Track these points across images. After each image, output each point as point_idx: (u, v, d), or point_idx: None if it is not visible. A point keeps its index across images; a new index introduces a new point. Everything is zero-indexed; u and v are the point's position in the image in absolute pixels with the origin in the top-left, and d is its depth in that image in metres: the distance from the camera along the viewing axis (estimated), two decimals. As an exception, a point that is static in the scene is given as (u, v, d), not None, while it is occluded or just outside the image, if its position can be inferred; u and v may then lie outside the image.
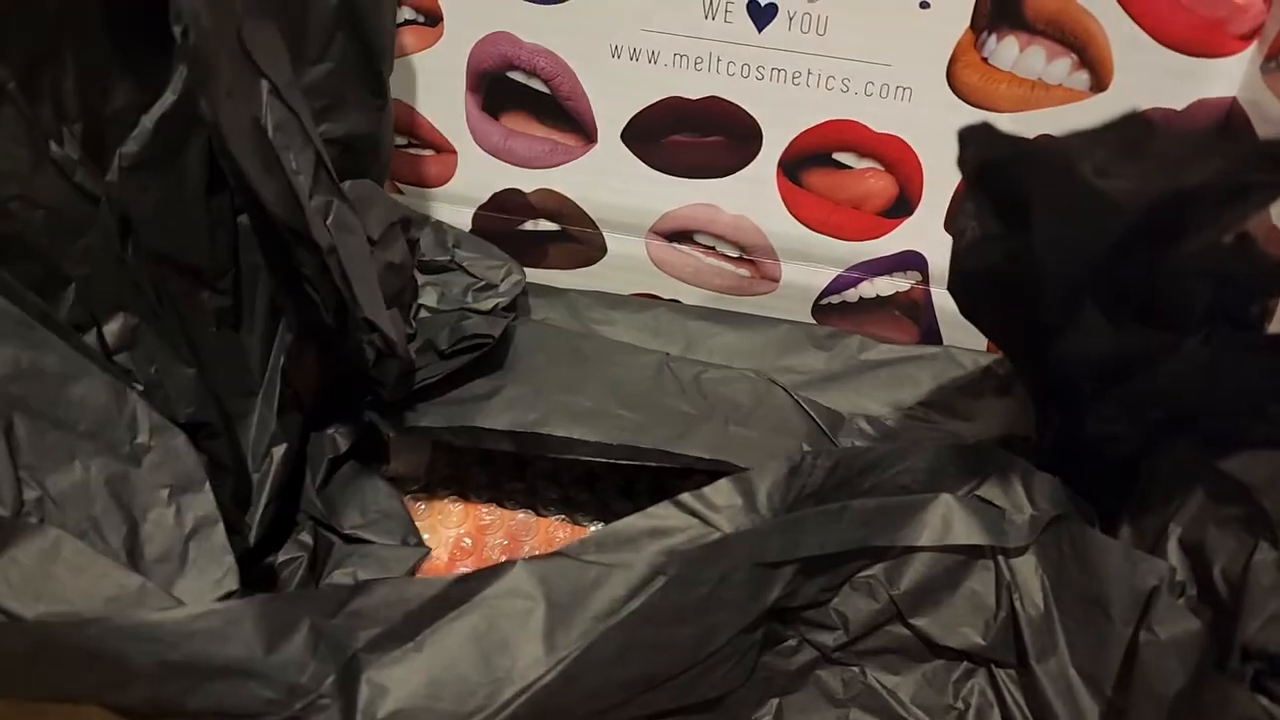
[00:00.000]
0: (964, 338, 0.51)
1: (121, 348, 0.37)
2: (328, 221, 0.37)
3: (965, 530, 0.36)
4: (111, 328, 0.36)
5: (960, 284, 0.36)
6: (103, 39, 0.34)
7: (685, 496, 0.33)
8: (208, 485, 0.35)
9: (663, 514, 0.33)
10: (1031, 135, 0.26)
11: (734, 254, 0.51)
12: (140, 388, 0.36)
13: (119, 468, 0.33)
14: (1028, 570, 0.36)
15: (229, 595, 0.34)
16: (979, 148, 0.27)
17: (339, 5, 0.40)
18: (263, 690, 0.28)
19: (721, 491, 0.34)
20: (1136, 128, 0.24)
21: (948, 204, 0.47)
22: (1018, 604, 0.36)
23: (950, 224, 0.47)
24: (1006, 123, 0.42)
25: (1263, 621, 0.30)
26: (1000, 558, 0.36)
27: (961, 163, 0.29)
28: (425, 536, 0.47)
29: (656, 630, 0.31)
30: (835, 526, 0.35)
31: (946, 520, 0.36)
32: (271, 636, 0.28)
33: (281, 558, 0.44)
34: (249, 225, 0.40)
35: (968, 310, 0.37)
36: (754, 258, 0.51)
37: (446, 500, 0.49)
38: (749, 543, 0.32)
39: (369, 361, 0.42)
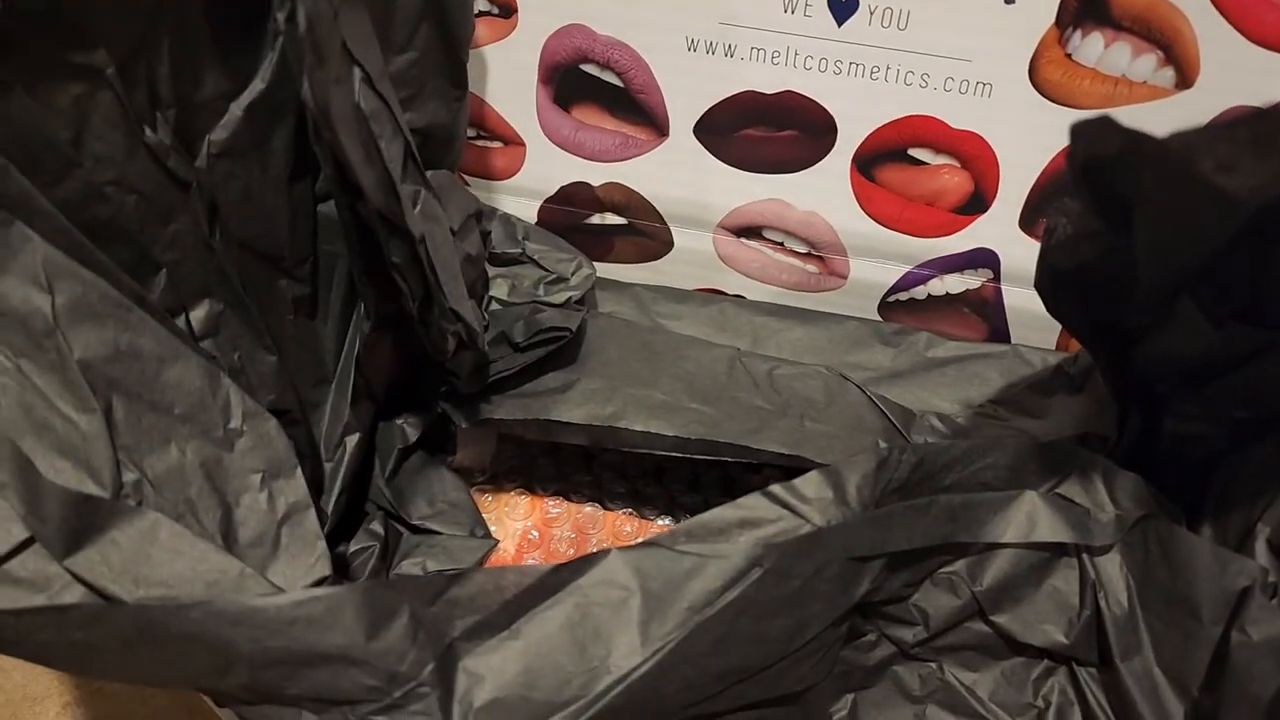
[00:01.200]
0: (1032, 336, 0.51)
1: (207, 334, 0.37)
2: (416, 211, 0.37)
3: (1050, 528, 0.36)
4: (198, 314, 0.36)
5: (1048, 282, 0.36)
6: (198, 26, 0.34)
7: (776, 488, 0.33)
8: (299, 471, 0.35)
9: (753, 505, 0.33)
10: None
11: (802, 250, 0.51)
12: (227, 373, 0.36)
13: (213, 451, 0.33)
14: (1113, 569, 0.36)
15: (321, 580, 0.34)
16: (1092, 140, 0.27)
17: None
18: (364, 677, 0.28)
19: (811, 484, 0.33)
20: (1268, 124, 0.23)
21: (1023, 201, 0.47)
22: (1103, 602, 0.36)
23: (1025, 222, 0.47)
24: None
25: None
26: (1085, 556, 0.36)
27: (1071, 155, 0.28)
28: (492, 528, 0.47)
29: (751, 622, 0.31)
30: (923, 521, 0.34)
31: (1031, 517, 0.36)
32: (373, 624, 0.28)
33: (353, 547, 0.44)
34: (328, 214, 0.40)
35: (1054, 308, 0.37)
36: (823, 254, 0.51)
37: (513, 492, 0.49)
38: (842, 536, 0.32)
39: (448, 352, 0.42)
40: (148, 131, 0.33)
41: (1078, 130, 0.27)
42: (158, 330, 0.32)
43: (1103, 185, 0.29)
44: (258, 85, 0.36)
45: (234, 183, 0.36)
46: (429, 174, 0.40)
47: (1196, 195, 0.26)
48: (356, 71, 0.34)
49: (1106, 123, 0.26)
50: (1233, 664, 0.33)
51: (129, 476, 0.29)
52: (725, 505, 0.33)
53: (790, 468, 0.46)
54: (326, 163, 0.34)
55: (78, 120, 0.31)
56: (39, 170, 0.29)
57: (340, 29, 0.33)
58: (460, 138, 0.46)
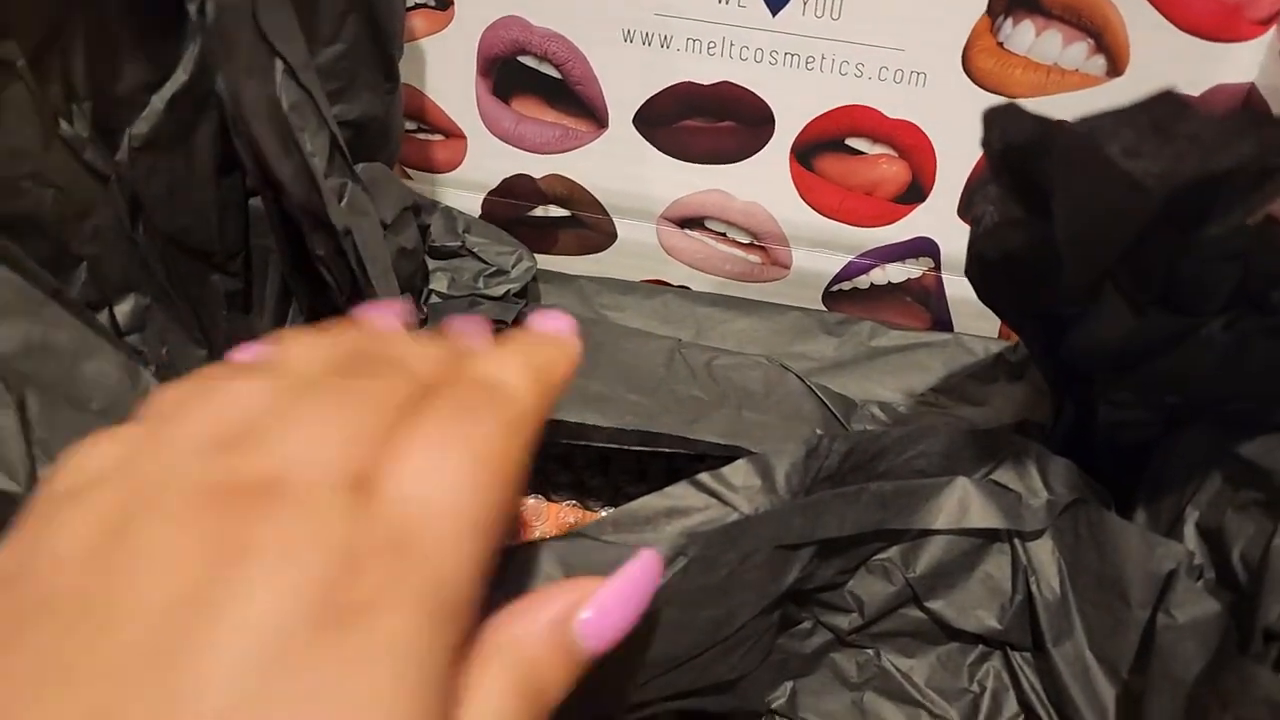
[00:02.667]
0: (975, 324, 0.51)
1: (133, 329, 0.36)
2: (342, 204, 0.37)
3: (982, 514, 0.36)
4: (123, 308, 0.36)
5: (977, 269, 0.36)
6: (113, 16, 0.34)
7: (703, 476, 0.33)
8: None
9: (680, 494, 0.33)
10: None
11: (745, 240, 0.51)
12: (152, 369, 0.35)
13: None
14: (1044, 554, 0.36)
15: None
16: (1004, 128, 0.27)
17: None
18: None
19: (739, 472, 0.33)
20: (1169, 107, 0.23)
21: (961, 190, 0.47)
22: (1034, 588, 0.36)
23: (964, 210, 0.47)
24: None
25: (1286, 605, 0.30)
26: (1016, 541, 0.36)
27: (985, 144, 0.28)
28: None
29: (678, 612, 0.31)
30: (853, 508, 0.34)
31: (963, 503, 0.36)
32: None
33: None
34: (260, 208, 0.40)
35: (984, 295, 0.37)
36: (765, 244, 0.51)
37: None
38: (769, 524, 0.32)
39: None
40: (63, 124, 0.33)
41: (990, 117, 0.27)
42: (74, 324, 0.31)
43: (1020, 172, 0.30)
44: (180, 77, 0.36)
45: (157, 176, 0.36)
46: (360, 167, 0.40)
47: (1106, 181, 0.26)
48: (278, 63, 0.34)
49: (1015, 110, 0.26)
50: (1158, 646, 0.33)
51: (43, 470, 0.29)
52: (652, 494, 0.33)
53: (732, 458, 0.46)
54: (247, 156, 0.34)
55: None
56: None
57: (259, 20, 0.32)
58: (396, 130, 0.46)
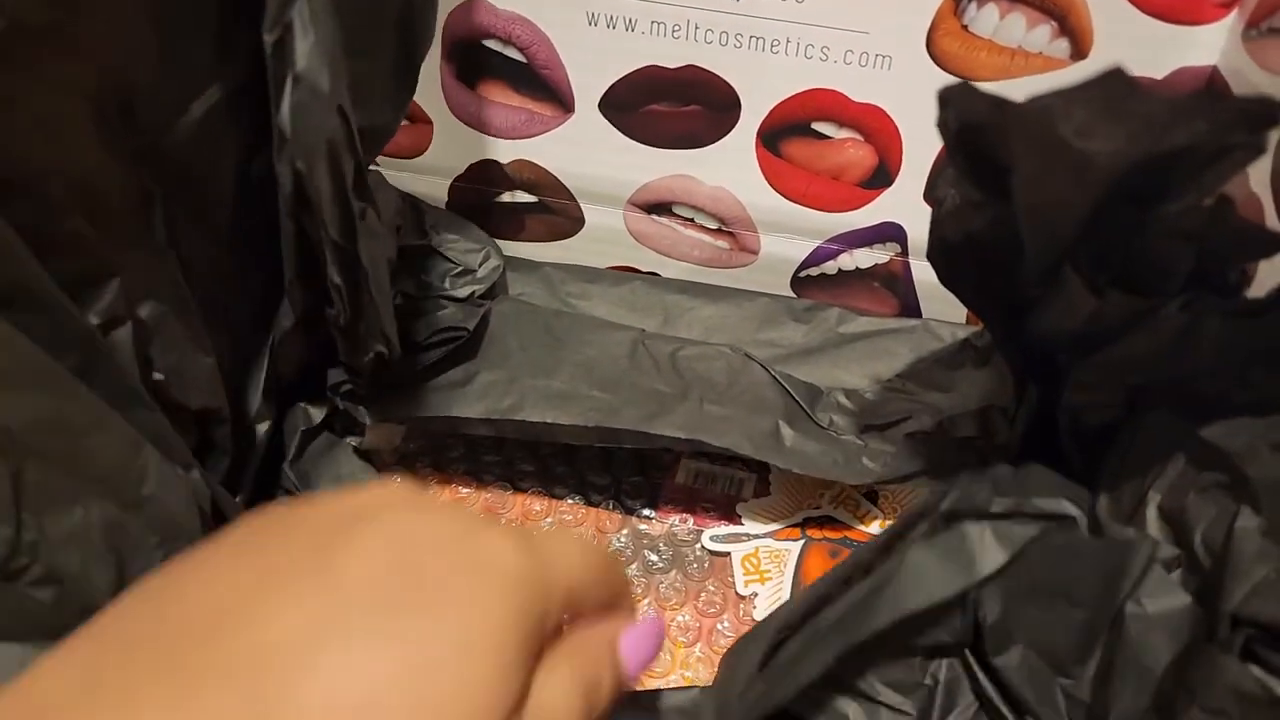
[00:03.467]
0: (943, 310, 0.51)
1: (148, 338, 0.36)
2: (361, 226, 0.37)
3: (942, 583, 0.34)
4: (142, 318, 0.35)
5: (939, 252, 0.36)
6: (166, 27, 0.33)
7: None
8: (201, 536, 0.34)
9: (690, 700, 0.33)
10: (1012, 99, 0.26)
11: (713, 226, 0.51)
12: (160, 377, 0.35)
13: (118, 515, 0.32)
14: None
15: None
16: (959, 109, 0.27)
17: (402, 5, 0.40)
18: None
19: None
20: (1119, 86, 0.23)
21: (927, 174, 0.47)
22: (980, 614, 0.35)
23: (930, 194, 0.47)
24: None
25: (1249, 589, 0.29)
26: None
27: (941, 124, 0.28)
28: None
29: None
30: (812, 654, 0.33)
31: (921, 578, 0.34)
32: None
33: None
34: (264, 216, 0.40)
35: (946, 278, 0.37)
36: (733, 229, 0.51)
37: (421, 474, 0.48)
38: None
39: (365, 366, 0.42)
40: (115, 140, 0.32)
41: (944, 97, 0.27)
42: (87, 398, 0.31)
43: (978, 152, 0.29)
44: (219, 88, 0.36)
45: (187, 184, 0.36)
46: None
47: (1061, 160, 0.26)
48: (334, 110, 0.33)
49: (969, 90, 0.26)
50: (1126, 636, 0.33)
51: (28, 537, 0.29)
52: (670, 689, 0.33)
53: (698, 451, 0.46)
54: (286, 182, 0.34)
55: (52, 131, 0.30)
56: (10, 187, 0.28)
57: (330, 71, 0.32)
58: (394, 132, 0.45)
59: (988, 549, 0.34)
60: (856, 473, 0.43)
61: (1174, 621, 0.32)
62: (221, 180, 0.38)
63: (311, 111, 0.31)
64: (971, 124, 0.28)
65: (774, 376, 0.46)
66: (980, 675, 0.36)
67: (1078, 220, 0.29)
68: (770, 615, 0.35)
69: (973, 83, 0.26)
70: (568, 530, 0.33)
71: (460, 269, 0.48)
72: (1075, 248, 0.31)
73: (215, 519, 0.37)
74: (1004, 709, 0.35)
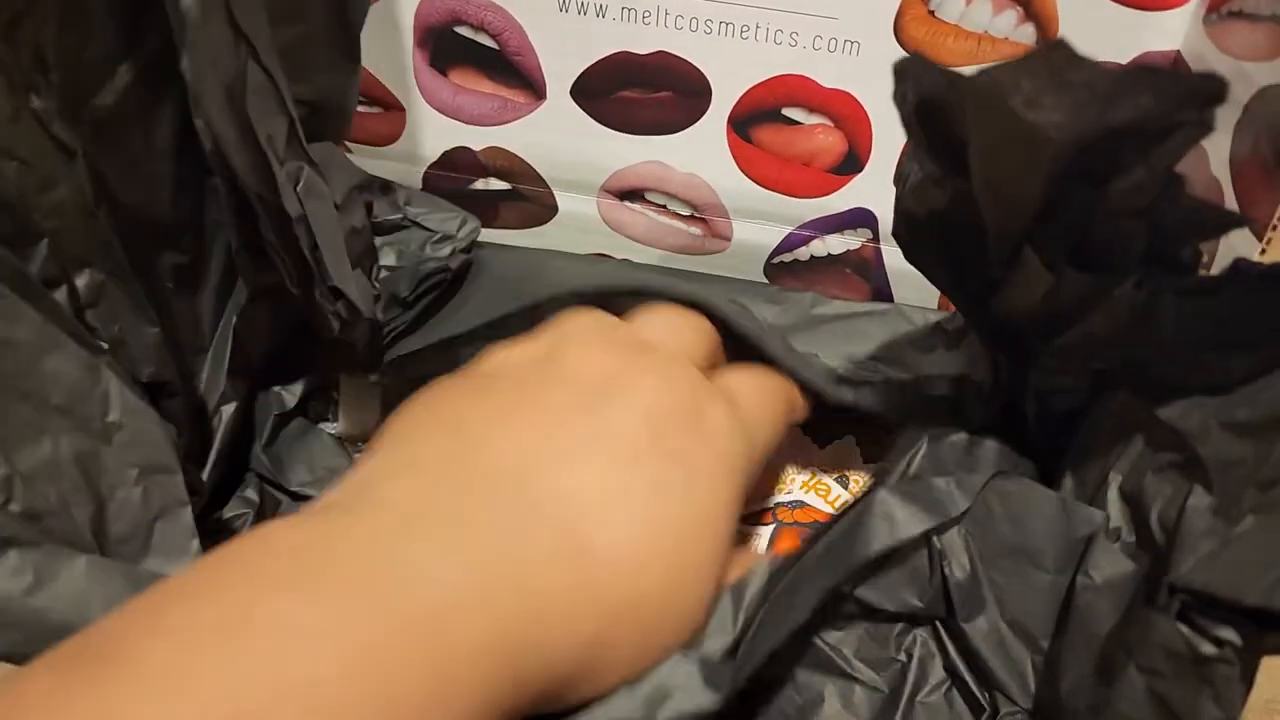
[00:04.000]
0: (914, 296, 0.51)
1: (88, 304, 0.36)
2: (298, 188, 0.37)
3: (909, 522, 0.35)
4: (79, 284, 0.35)
5: (904, 227, 0.36)
6: None
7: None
8: (179, 470, 0.34)
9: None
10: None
11: (685, 213, 0.51)
12: (105, 346, 0.35)
13: (89, 445, 0.32)
14: (953, 535, 0.36)
15: None
16: (914, 82, 0.27)
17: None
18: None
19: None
20: (1061, 55, 0.24)
21: (897, 161, 0.47)
22: (946, 568, 0.36)
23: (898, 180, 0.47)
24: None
25: (1194, 562, 0.30)
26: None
27: (898, 98, 0.29)
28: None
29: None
30: (790, 614, 0.33)
31: (890, 519, 0.35)
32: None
33: (227, 514, 0.44)
34: (213, 183, 0.40)
35: (911, 255, 0.37)
36: (705, 216, 0.51)
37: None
38: None
39: (334, 330, 0.42)
40: (33, 97, 0.32)
41: (898, 70, 0.27)
42: (35, 318, 0.31)
43: (935, 127, 0.30)
44: (145, 51, 0.35)
45: (118, 150, 0.35)
46: (312, 147, 0.40)
47: (1012, 133, 0.27)
48: (243, 46, 0.33)
49: (922, 62, 0.26)
50: (1076, 606, 0.33)
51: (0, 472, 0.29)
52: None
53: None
54: (205, 137, 0.34)
55: None
56: None
57: (230, 2, 0.32)
58: (351, 109, 0.45)
59: (954, 497, 0.35)
60: (833, 388, 0.43)
61: (1119, 589, 0.33)
62: (156, 147, 0.37)
63: (201, 51, 0.31)
64: (928, 98, 0.28)
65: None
66: (951, 649, 0.37)
67: (1034, 198, 0.30)
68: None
69: (922, 54, 0.26)
70: (768, 392, 0.38)
71: (439, 235, 0.48)
72: (1034, 227, 0.31)
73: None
74: (972, 684, 0.36)
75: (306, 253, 0.38)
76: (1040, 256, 0.32)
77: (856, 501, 0.36)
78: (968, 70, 0.29)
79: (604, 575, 0.26)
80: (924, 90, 0.28)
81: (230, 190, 0.37)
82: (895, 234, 0.37)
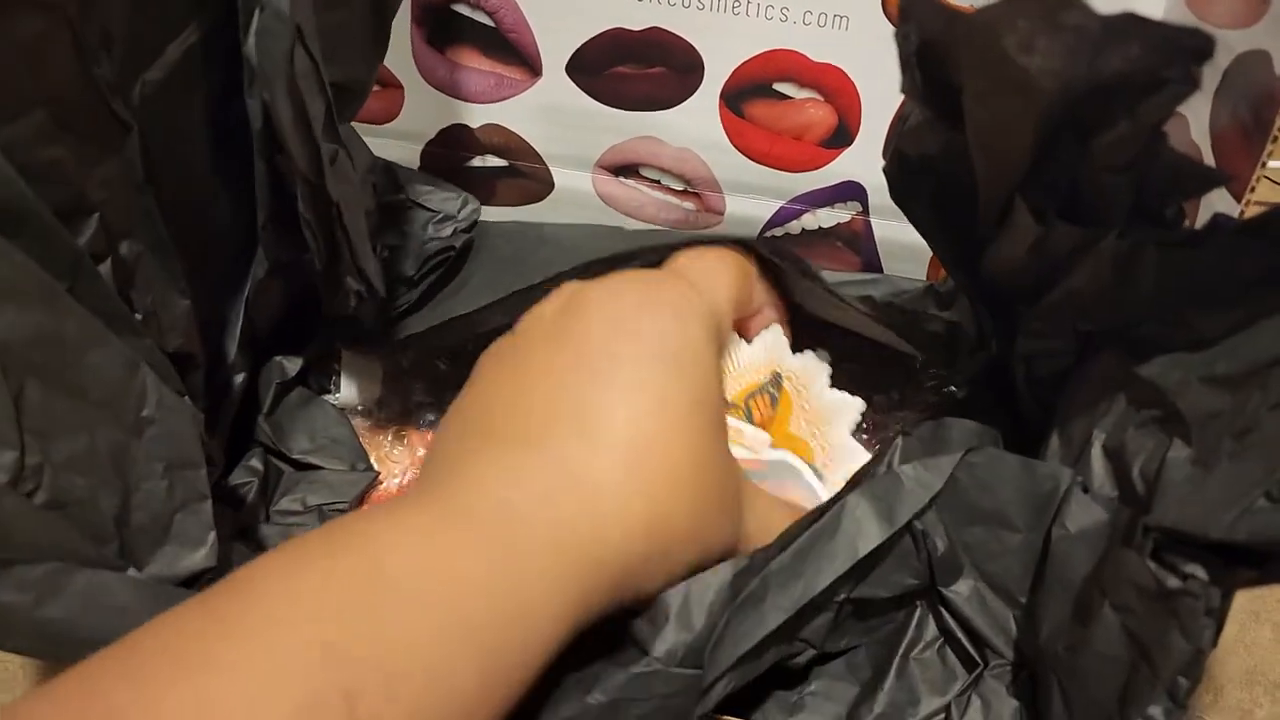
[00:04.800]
0: (905, 269, 0.52)
1: (126, 278, 0.37)
2: (332, 170, 0.38)
3: (878, 529, 0.35)
4: (119, 255, 0.36)
5: (896, 167, 0.37)
6: None
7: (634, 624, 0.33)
8: (203, 464, 0.35)
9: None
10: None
11: (679, 187, 0.52)
12: (139, 318, 0.36)
13: (122, 438, 0.33)
14: (930, 512, 0.37)
15: (206, 572, 0.34)
16: (917, 22, 0.28)
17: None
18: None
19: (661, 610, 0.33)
20: (1056, -4, 0.24)
21: (886, 134, 0.48)
22: (929, 545, 0.37)
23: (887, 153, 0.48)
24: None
25: (1167, 505, 0.31)
26: None
27: (901, 37, 0.29)
28: (375, 465, 0.48)
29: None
30: (761, 605, 0.34)
31: (859, 525, 0.35)
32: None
33: (234, 481, 0.44)
34: (238, 161, 0.41)
35: (900, 196, 0.38)
36: (698, 190, 0.52)
37: (394, 428, 0.50)
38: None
39: (349, 308, 0.43)
40: (95, 70, 0.33)
41: (905, 8, 0.28)
42: (83, 315, 0.31)
43: (933, 71, 0.30)
44: (196, 29, 0.36)
45: (164, 125, 0.36)
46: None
47: (1005, 79, 0.27)
48: (293, 30, 0.34)
49: (928, 1, 0.27)
50: (1052, 556, 0.34)
51: (32, 460, 0.29)
52: None
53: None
54: (256, 117, 0.35)
55: (35, 57, 0.30)
56: None
57: None
58: (369, 92, 0.46)
59: (923, 480, 0.35)
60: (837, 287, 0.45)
61: (1094, 538, 0.34)
62: (197, 123, 0.38)
63: (274, 35, 0.32)
64: (929, 41, 0.29)
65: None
66: (942, 610, 0.38)
67: (1025, 147, 0.30)
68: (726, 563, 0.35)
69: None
70: (714, 258, 0.42)
71: (441, 215, 0.49)
72: (1025, 179, 0.32)
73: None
74: (964, 640, 0.37)
75: (339, 233, 0.40)
76: (1029, 207, 0.33)
77: (827, 507, 0.36)
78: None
79: (637, 456, 0.31)
80: (926, 32, 0.28)
81: (267, 168, 0.38)
82: (887, 173, 0.38)
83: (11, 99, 0.30)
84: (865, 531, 0.35)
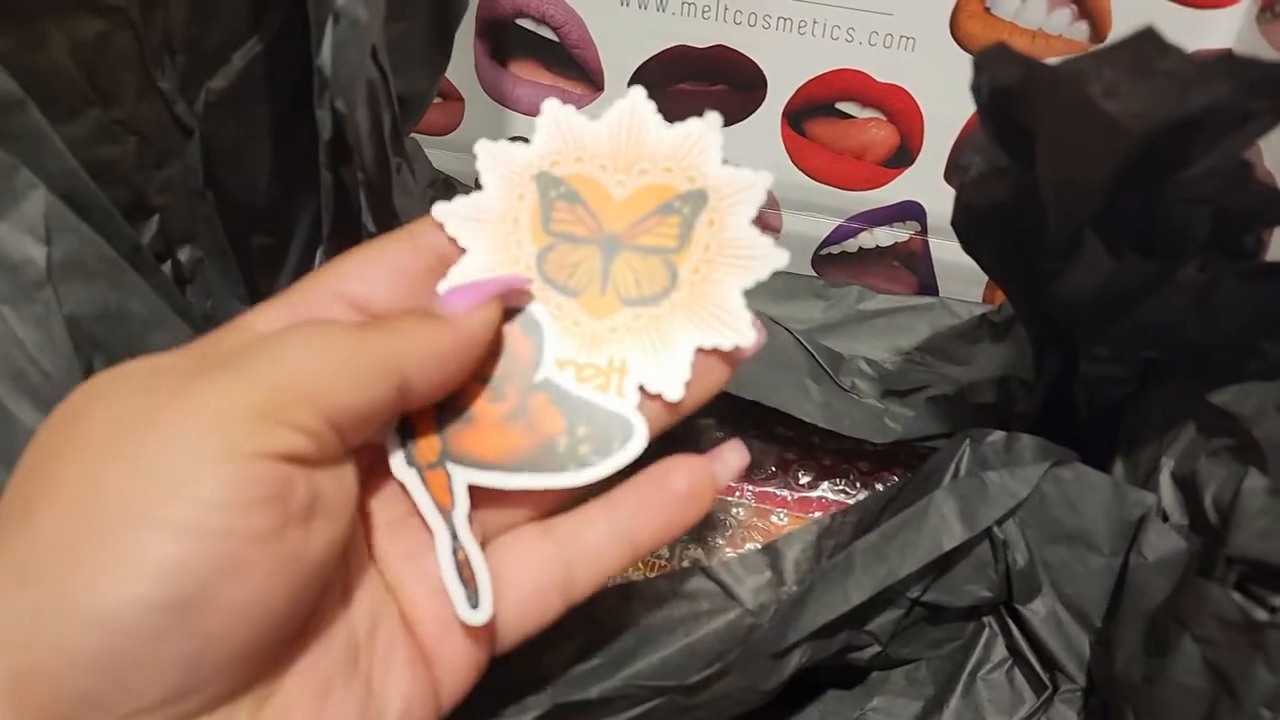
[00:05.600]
0: (960, 289, 0.52)
1: (185, 280, 0.37)
2: (396, 183, 0.38)
3: (963, 525, 0.36)
4: (178, 259, 0.37)
5: (963, 220, 0.37)
6: None
7: (714, 567, 0.34)
8: None
9: (691, 581, 0.34)
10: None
11: (736, 204, 0.52)
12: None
13: None
14: (1009, 524, 0.37)
15: None
16: (994, 70, 0.28)
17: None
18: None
19: (749, 563, 0.35)
20: (1149, 44, 0.24)
21: (948, 154, 0.48)
22: (1009, 557, 0.37)
23: (949, 174, 0.48)
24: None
25: (1250, 535, 0.31)
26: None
27: (975, 88, 0.29)
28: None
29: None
30: (850, 576, 0.35)
31: (945, 520, 0.36)
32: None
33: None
34: (300, 172, 0.41)
35: (969, 246, 0.38)
36: (756, 208, 0.52)
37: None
38: (758, 652, 0.33)
39: None
40: (159, 76, 0.33)
41: (980, 60, 0.28)
42: (147, 293, 0.32)
43: (1006, 117, 0.31)
44: (260, 39, 0.37)
45: (226, 132, 0.37)
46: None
47: (1087, 122, 0.27)
48: (370, 41, 0.35)
49: (1005, 51, 0.27)
50: (1129, 584, 0.34)
51: None
52: (662, 575, 0.34)
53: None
54: (325, 128, 0.35)
55: (96, 57, 0.31)
56: (54, 106, 0.29)
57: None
58: (429, 105, 0.46)
59: (1009, 488, 0.35)
60: (879, 432, 0.44)
61: (1171, 567, 0.34)
62: (260, 132, 0.39)
63: (351, 47, 0.32)
64: (1003, 87, 0.29)
65: (799, 340, 0.47)
66: (1014, 629, 0.38)
67: (1100, 185, 0.31)
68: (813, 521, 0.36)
69: (1006, 42, 0.27)
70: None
71: None
72: (1098, 213, 0.32)
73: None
74: (1035, 662, 0.37)
75: None
76: (1102, 241, 0.33)
77: (909, 493, 0.37)
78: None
79: None
80: (1000, 80, 0.29)
81: (333, 179, 0.38)
82: (955, 225, 0.38)
83: (71, 97, 0.30)
84: (950, 528, 0.35)
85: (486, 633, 0.27)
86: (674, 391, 0.28)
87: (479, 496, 0.28)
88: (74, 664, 0.20)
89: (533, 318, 0.29)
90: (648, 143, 0.32)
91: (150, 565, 0.21)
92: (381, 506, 0.28)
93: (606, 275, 0.30)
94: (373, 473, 0.28)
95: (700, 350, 0.29)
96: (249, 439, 0.22)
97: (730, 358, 0.29)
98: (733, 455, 0.30)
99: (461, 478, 0.28)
